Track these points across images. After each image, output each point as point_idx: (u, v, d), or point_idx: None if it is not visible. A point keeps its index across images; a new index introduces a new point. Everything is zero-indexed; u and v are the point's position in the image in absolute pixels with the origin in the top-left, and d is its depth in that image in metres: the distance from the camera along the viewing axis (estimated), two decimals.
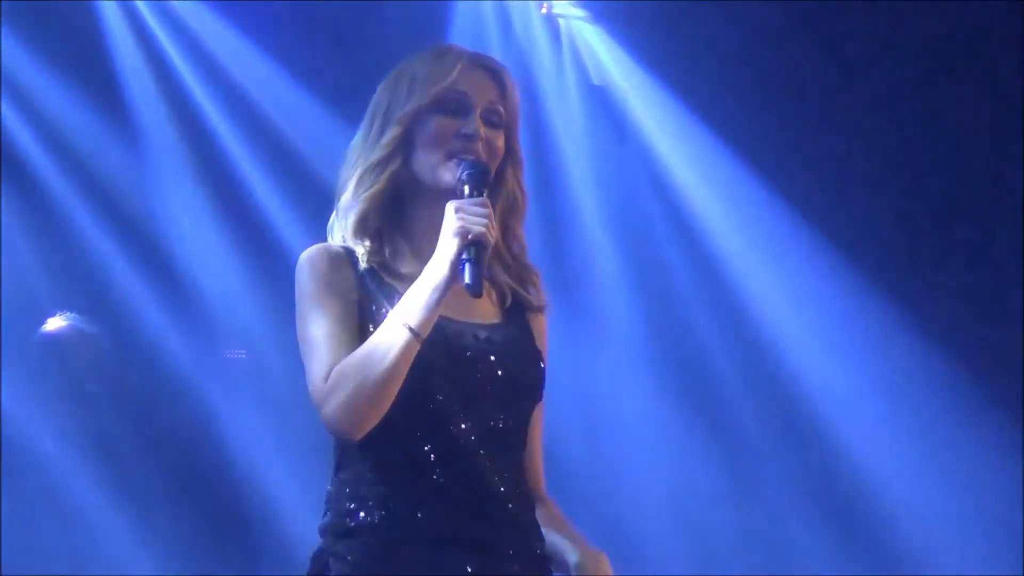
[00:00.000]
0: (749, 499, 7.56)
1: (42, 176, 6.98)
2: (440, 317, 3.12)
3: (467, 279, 3.05)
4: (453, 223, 3.08)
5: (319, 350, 3.10)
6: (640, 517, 7.47)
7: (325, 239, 3.34)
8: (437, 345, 3.11)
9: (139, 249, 6.99)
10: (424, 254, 3.17)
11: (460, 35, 7.37)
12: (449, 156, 3.24)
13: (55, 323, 6.92)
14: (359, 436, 3.05)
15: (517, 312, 3.30)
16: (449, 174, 3.22)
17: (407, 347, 3.05)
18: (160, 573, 6.77)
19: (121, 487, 6.82)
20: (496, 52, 7.35)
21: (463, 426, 3.15)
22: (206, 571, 6.79)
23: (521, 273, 3.34)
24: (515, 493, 3.20)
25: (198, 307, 7.04)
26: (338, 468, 3.19)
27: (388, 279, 3.20)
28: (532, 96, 7.52)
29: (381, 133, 3.27)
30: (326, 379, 3.07)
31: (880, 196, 7.46)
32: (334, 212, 3.32)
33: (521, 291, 3.32)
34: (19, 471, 6.75)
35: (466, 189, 3.17)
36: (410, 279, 3.14)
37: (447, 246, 3.07)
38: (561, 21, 7.71)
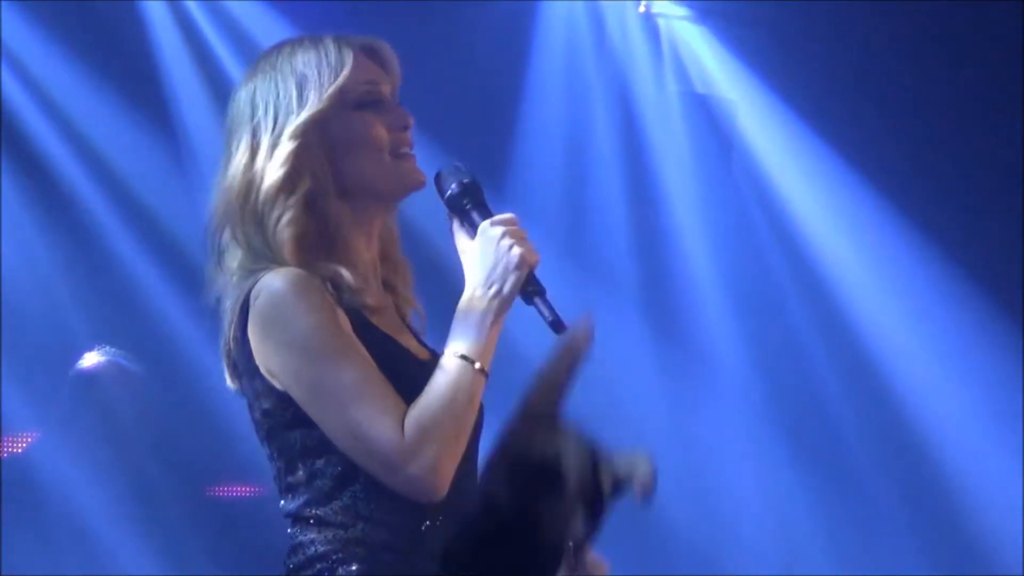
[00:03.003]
0: (859, 542, 7.10)
1: (78, 195, 6.60)
2: (409, 354, 2.90)
3: (549, 315, 2.80)
4: (508, 251, 2.81)
5: (373, 400, 2.75)
6: (739, 560, 7.07)
7: None
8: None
9: (183, 275, 6.50)
10: (368, 277, 2.92)
11: (548, 36, 6.92)
12: (394, 153, 2.92)
13: (91, 358, 6.47)
14: (443, 496, 2.76)
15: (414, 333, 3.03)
16: (405, 170, 2.92)
17: (481, 392, 2.82)
18: None
19: (160, 534, 6.45)
20: (588, 56, 7.05)
21: (461, 469, 2.86)
22: None
23: (401, 273, 3.06)
24: None
25: None
26: (322, 524, 2.83)
27: (366, 315, 2.87)
28: (628, 105, 7.10)
29: (273, 147, 2.87)
30: (400, 432, 2.73)
31: (1011, 214, 6.94)
32: (227, 235, 2.90)
33: (409, 307, 3.05)
34: (50, 519, 6.36)
35: (477, 215, 2.88)
36: (375, 310, 2.88)
37: (505, 277, 2.80)
38: (661, 21, 7.14)
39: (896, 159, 6.98)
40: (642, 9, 7.05)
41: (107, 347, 6.48)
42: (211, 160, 6.39)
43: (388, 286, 3.02)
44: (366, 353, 2.79)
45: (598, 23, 7.02)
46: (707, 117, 7.17)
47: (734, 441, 7.13)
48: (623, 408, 6.83)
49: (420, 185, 2.95)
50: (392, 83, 2.99)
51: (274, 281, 2.81)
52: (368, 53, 2.98)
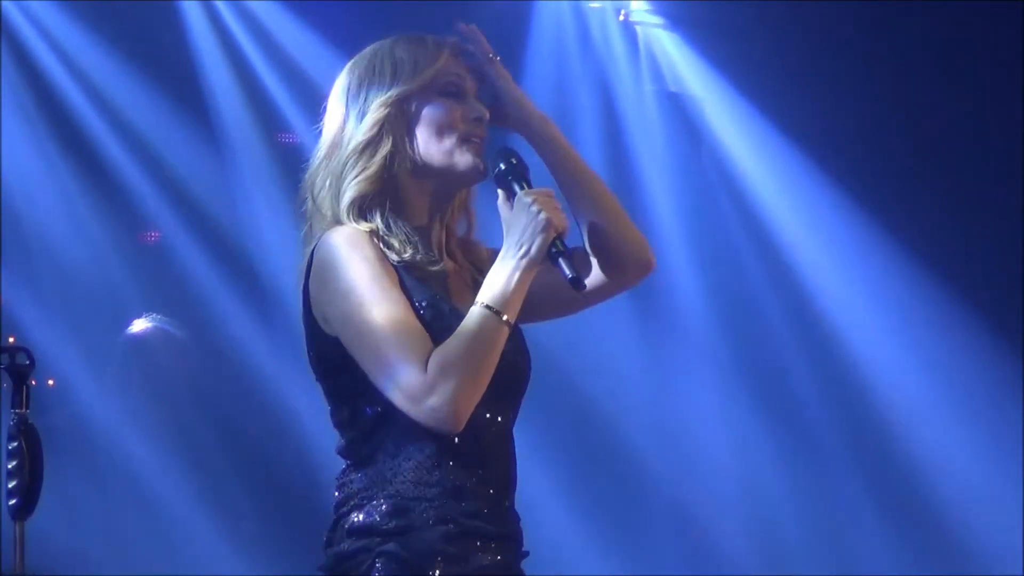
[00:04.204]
0: (819, 496, 7.21)
1: (128, 181, 6.70)
2: (451, 309, 2.92)
3: (569, 273, 2.87)
4: (537, 215, 2.85)
5: (403, 339, 2.80)
6: (712, 514, 7.21)
7: None
8: None
9: (222, 251, 6.73)
10: (428, 239, 2.98)
11: (539, 40, 7.07)
12: (463, 140, 2.99)
13: (140, 324, 6.61)
14: (460, 429, 2.80)
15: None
16: (468, 156, 2.98)
17: (504, 340, 2.83)
18: (242, 569, 6.50)
19: (204, 485, 6.59)
20: (574, 57, 7.20)
21: (487, 417, 2.90)
22: (287, 568, 6.41)
23: (477, 253, 3.09)
24: (515, 483, 2.99)
25: (279, 308, 6.69)
26: (362, 463, 2.89)
27: (416, 273, 2.93)
28: (609, 101, 7.24)
29: (361, 116, 2.98)
30: (424, 369, 2.77)
31: (966, 202, 7.04)
32: (309, 200, 3.00)
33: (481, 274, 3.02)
34: (104, 467, 6.51)
35: (516, 186, 2.94)
36: (427, 271, 2.93)
37: (533, 239, 2.85)
38: (639, 28, 7.31)
39: (847, 147, 7.08)
40: (622, 17, 7.21)
41: (154, 314, 6.61)
42: (243, 149, 6.75)
43: (457, 261, 3.06)
44: (405, 300, 2.84)
45: (583, 29, 7.16)
46: (679, 112, 7.29)
47: (704, 399, 7.23)
48: (606, 367, 7.01)
49: (476, 170, 3.01)
50: (476, 85, 3.06)
51: (331, 237, 2.88)
52: (461, 57, 3.06)
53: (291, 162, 6.76)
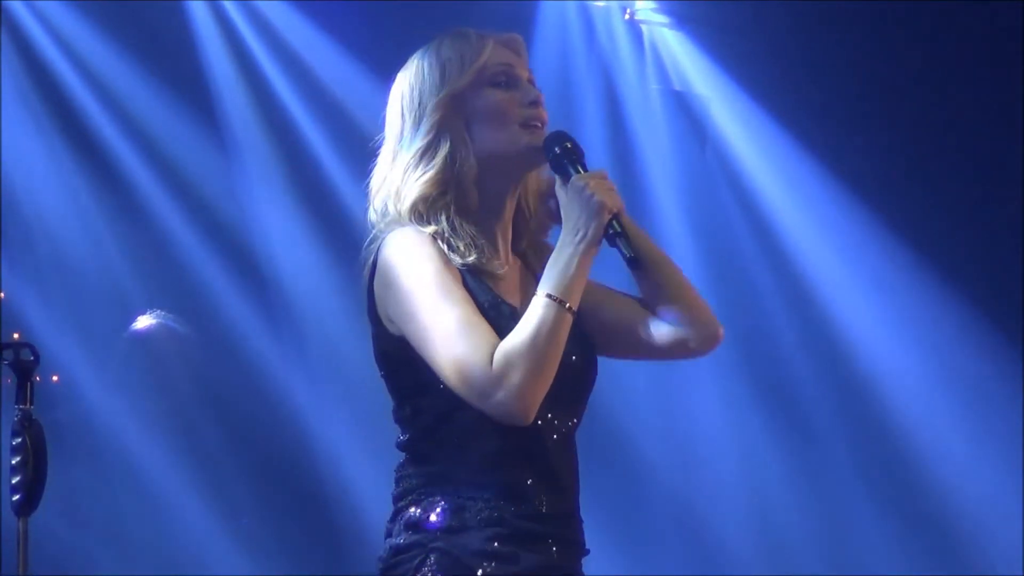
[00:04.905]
0: (823, 496, 7.20)
1: (133, 177, 6.68)
2: (511, 308, 2.92)
3: (627, 252, 2.86)
4: (591, 199, 2.84)
5: (469, 334, 2.81)
6: (715, 509, 7.19)
7: None
8: None
9: (225, 248, 6.71)
10: (492, 239, 2.98)
11: (544, 39, 7.05)
12: (523, 125, 2.96)
13: (144, 321, 6.63)
14: (530, 421, 2.81)
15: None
16: (528, 137, 2.95)
17: (568, 328, 2.82)
18: (244, 566, 6.49)
19: (208, 481, 6.59)
20: (579, 55, 7.19)
21: (549, 419, 2.90)
22: (288, 563, 6.48)
23: (544, 252, 3.01)
24: (577, 486, 3.02)
25: (283, 304, 6.76)
26: (421, 459, 2.91)
27: (481, 276, 2.94)
28: (614, 99, 7.25)
29: (418, 122, 2.98)
30: (490, 363, 2.78)
31: (966, 199, 7.06)
32: (372, 207, 3.01)
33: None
34: (107, 463, 6.51)
35: (572, 170, 2.89)
36: (491, 273, 2.94)
37: (588, 223, 2.83)
38: (644, 27, 7.32)
39: (851, 146, 7.08)
40: (627, 16, 7.20)
41: (158, 310, 6.62)
42: (248, 146, 6.74)
43: (526, 262, 3.07)
44: (469, 297, 2.85)
45: (589, 27, 7.14)
46: (684, 111, 7.27)
47: (708, 399, 7.19)
48: (610, 368, 6.94)
49: (536, 150, 2.97)
50: (528, 70, 3.06)
51: (394, 239, 2.90)
52: (506, 44, 3.06)
53: (295, 159, 6.85)
